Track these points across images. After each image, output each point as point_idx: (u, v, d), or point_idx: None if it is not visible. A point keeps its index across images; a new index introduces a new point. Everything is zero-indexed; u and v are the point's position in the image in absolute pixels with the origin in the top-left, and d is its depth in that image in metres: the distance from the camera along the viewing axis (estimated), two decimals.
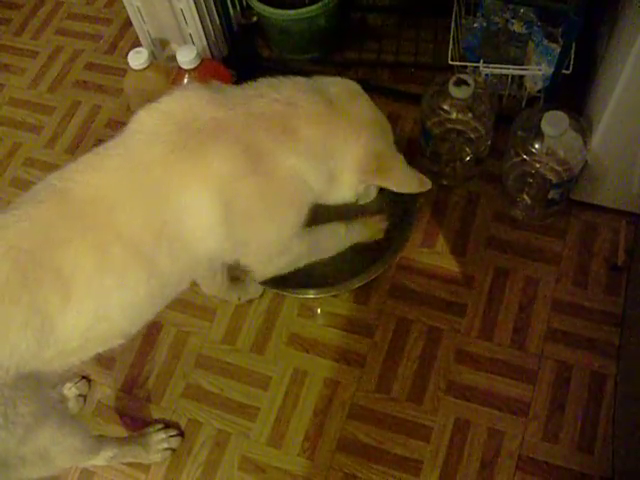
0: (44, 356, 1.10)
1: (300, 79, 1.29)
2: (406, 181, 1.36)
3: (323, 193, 1.31)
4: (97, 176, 1.14)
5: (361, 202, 1.50)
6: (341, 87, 1.31)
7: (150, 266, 1.15)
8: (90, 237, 1.10)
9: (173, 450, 1.61)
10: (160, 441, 1.60)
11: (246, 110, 1.19)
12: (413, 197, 1.66)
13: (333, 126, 1.25)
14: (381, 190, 1.49)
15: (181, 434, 1.62)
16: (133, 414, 1.68)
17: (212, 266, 1.45)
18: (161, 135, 1.15)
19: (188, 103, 1.18)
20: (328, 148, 1.26)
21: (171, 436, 1.61)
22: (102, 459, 1.46)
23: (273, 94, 1.22)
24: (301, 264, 1.46)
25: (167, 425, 1.63)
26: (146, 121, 1.18)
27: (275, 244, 1.33)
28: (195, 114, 1.16)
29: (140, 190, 1.13)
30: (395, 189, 1.36)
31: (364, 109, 1.31)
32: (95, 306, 1.11)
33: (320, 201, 1.34)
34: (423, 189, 1.38)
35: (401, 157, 1.36)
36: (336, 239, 1.56)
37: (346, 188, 1.35)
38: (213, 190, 1.14)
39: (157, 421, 1.65)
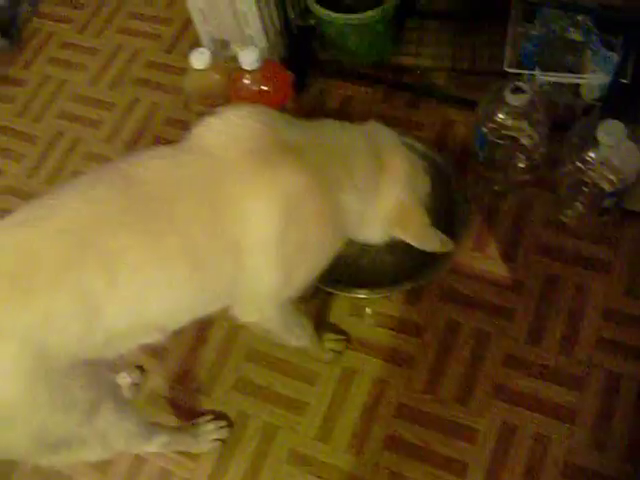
0: (92, 342, 1.10)
1: (358, 127, 1.37)
2: (427, 239, 1.41)
3: (357, 231, 1.38)
4: (165, 167, 1.16)
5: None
6: (389, 141, 1.38)
7: (197, 265, 1.15)
8: (145, 224, 1.11)
9: (222, 441, 1.64)
10: (210, 432, 1.64)
11: (316, 140, 1.26)
12: (465, 202, 1.69)
13: (378, 174, 1.33)
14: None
15: (230, 425, 1.66)
16: (184, 404, 1.72)
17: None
18: (237, 141, 1.18)
19: (263, 118, 1.22)
20: (369, 196, 1.32)
21: (221, 427, 1.65)
22: (155, 446, 1.49)
23: (338, 135, 1.31)
24: (267, 333, 1.47)
25: (217, 417, 1.67)
26: (223, 128, 1.22)
27: (308, 277, 1.32)
28: (270, 131, 1.20)
29: (206, 189, 1.15)
30: (414, 244, 1.40)
31: (402, 165, 1.37)
32: (138, 294, 1.11)
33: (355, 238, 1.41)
34: (444, 250, 1.43)
35: (425, 216, 1.40)
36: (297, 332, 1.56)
37: (377, 231, 1.40)
38: (279, 205, 1.15)
39: (207, 412, 1.68)
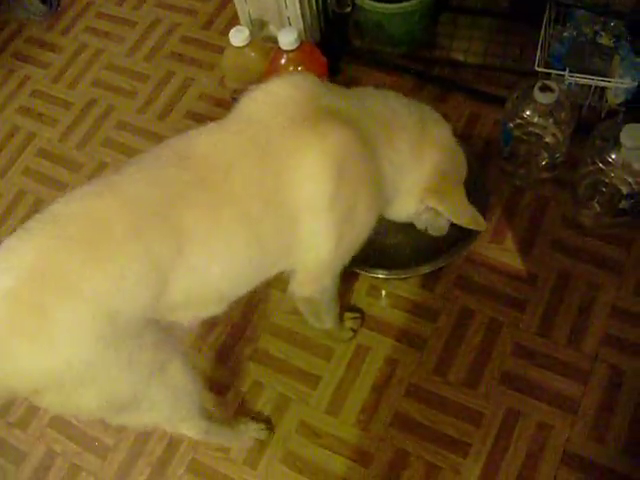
0: (158, 308, 1.15)
1: (400, 95, 1.40)
2: (461, 212, 1.44)
3: (392, 203, 1.41)
4: (221, 139, 1.20)
5: (432, 233, 1.58)
6: (430, 113, 1.42)
7: (255, 231, 1.19)
8: (207, 195, 1.15)
9: (261, 441, 1.66)
10: (250, 431, 1.66)
11: (360, 104, 1.29)
12: (486, 195, 1.74)
13: (420, 143, 1.36)
14: None
15: (271, 429, 1.68)
16: (200, 370, 1.76)
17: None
18: (282, 109, 1.22)
19: (309, 85, 1.27)
20: (411, 161, 1.36)
21: (261, 429, 1.66)
22: (195, 429, 1.49)
23: (379, 99, 1.34)
24: (324, 307, 1.55)
25: (259, 419, 1.69)
26: (269, 95, 1.26)
27: (355, 241, 1.35)
28: (315, 95, 1.25)
29: (259, 156, 1.18)
30: (448, 215, 1.44)
31: (444, 136, 1.41)
32: (203, 263, 1.16)
33: (384, 210, 1.43)
34: (476, 227, 1.48)
35: (464, 192, 1.44)
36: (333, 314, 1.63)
37: (409, 204, 1.44)
38: (328, 171, 1.19)
39: (250, 413, 1.71)
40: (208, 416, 1.55)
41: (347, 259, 1.38)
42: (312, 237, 1.26)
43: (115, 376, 1.13)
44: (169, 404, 1.29)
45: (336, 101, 1.27)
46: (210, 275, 1.19)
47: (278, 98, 1.25)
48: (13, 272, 1.04)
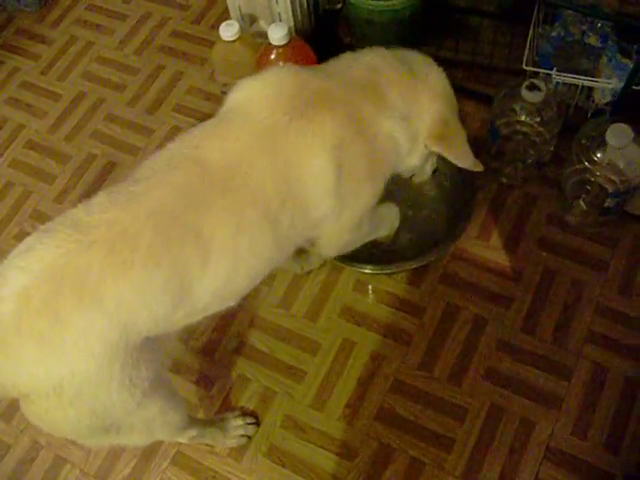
0: (173, 318, 1.15)
1: (381, 49, 1.40)
2: (464, 155, 1.45)
3: (406, 157, 1.41)
4: (228, 142, 1.20)
5: (416, 180, 1.60)
6: (418, 58, 1.42)
7: (275, 228, 1.21)
8: (229, 200, 1.15)
9: (249, 437, 1.66)
10: (238, 427, 1.65)
11: (341, 79, 1.30)
12: (472, 192, 1.75)
13: (414, 91, 1.36)
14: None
15: (258, 423, 1.68)
16: (186, 364, 1.77)
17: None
18: (278, 104, 1.23)
19: (293, 76, 1.28)
20: (411, 111, 1.35)
21: (248, 424, 1.66)
22: (186, 437, 1.52)
23: (359, 64, 1.34)
24: (358, 244, 1.56)
25: (245, 413, 1.69)
26: (259, 91, 1.27)
27: (365, 208, 1.39)
28: (302, 85, 1.26)
29: (269, 155, 1.20)
30: (452, 159, 1.45)
31: (439, 79, 1.41)
32: (229, 267, 1.17)
33: (397, 168, 1.43)
34: (476, 169, 1.48)
35: (464, 132, 1.45)
36: (390, 219, 1.68)
37: (416, 153, 1.44)
38: (329, 152, 1.22)
39: (236, 408, 1.71)
40: (195, 417, 1.59)
41: (360, 220, 1.42)
42: (323, 218, 1.31)
43: (113, 391, 1.10)
44: (149, 427, 1.28)
45: (323, 83, 1.28)
46: (235, 277, 1.20)
47: (271, 93, 1.26)
48: (29, 271, 1.03)
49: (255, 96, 1.27)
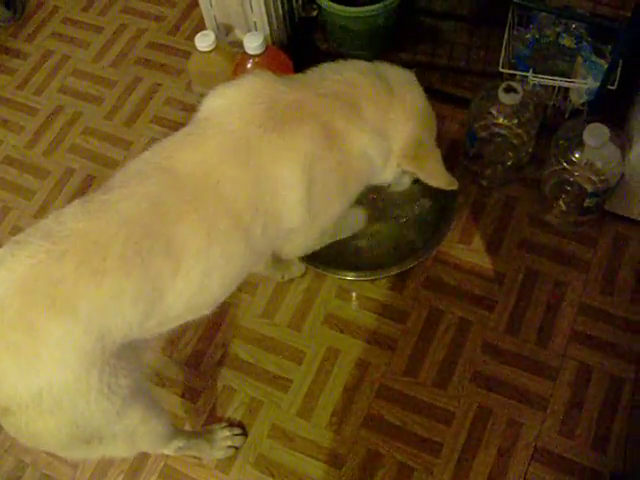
0: (146, 325, 1.14)
1: (361, 62, 1.39)
2: (437, 175, 1.45)
3: (379, 172, 1.41)
4: (200, 154, 1.20)
5: (394, 190, 1.60)
6: (399, 74, 1.41)
7: (247, 238, 1.22)
8: (201, 211, 1.16)
9: (236, 448, 1.65)
10: (225, 438, 1.64)
11: (316, 91, 1.29)
12: (453, 195, 1.74)
13: (390, 109, 1.36)
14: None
15: (245, 434, 1.67)
16: (171, 376, 1.76)
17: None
18: (252, 115, 1.23)
19: (269, 85, 1.27)
20: (386, 129, 1.35)
21: (235, 434, 1.66)
22: (172, 449, 1.51)
23: (336, 76, 1.33)
24: (323, 244, 1.56)
25: (232, 424, 1.68)
26: (233, 100, 1.26)
27: (333, 219, 1.40)
28: (277, 96, 1.25)
29: (241, 167, 1.20)
30: (424, 179, 1.45)
31: (417, 99, 1.41)
32: (201, 276, 1.17)
33: (371, 181, 1.43)
34: (450, 187, 1.48)
35: (439, 152, 1.45)
36: (355, 223, 1.69)
37: (390, 169, 1.44)
38: (301, 166, 1.23)
39: (223, 419, 1.70)
40: (180, 430, 1.56)
41: (327, 228, 1.43)
42: (294, 229, 1.31)
43: (91, 400, 1.10)
44: (132, 438, 1.27)
45: (298, 94, 1.28)
46: (208, 285, 1.20)
47: (244, 103, 1.25)
48: (1, 283, 1.02)
49: (229, 105, 1.27)
